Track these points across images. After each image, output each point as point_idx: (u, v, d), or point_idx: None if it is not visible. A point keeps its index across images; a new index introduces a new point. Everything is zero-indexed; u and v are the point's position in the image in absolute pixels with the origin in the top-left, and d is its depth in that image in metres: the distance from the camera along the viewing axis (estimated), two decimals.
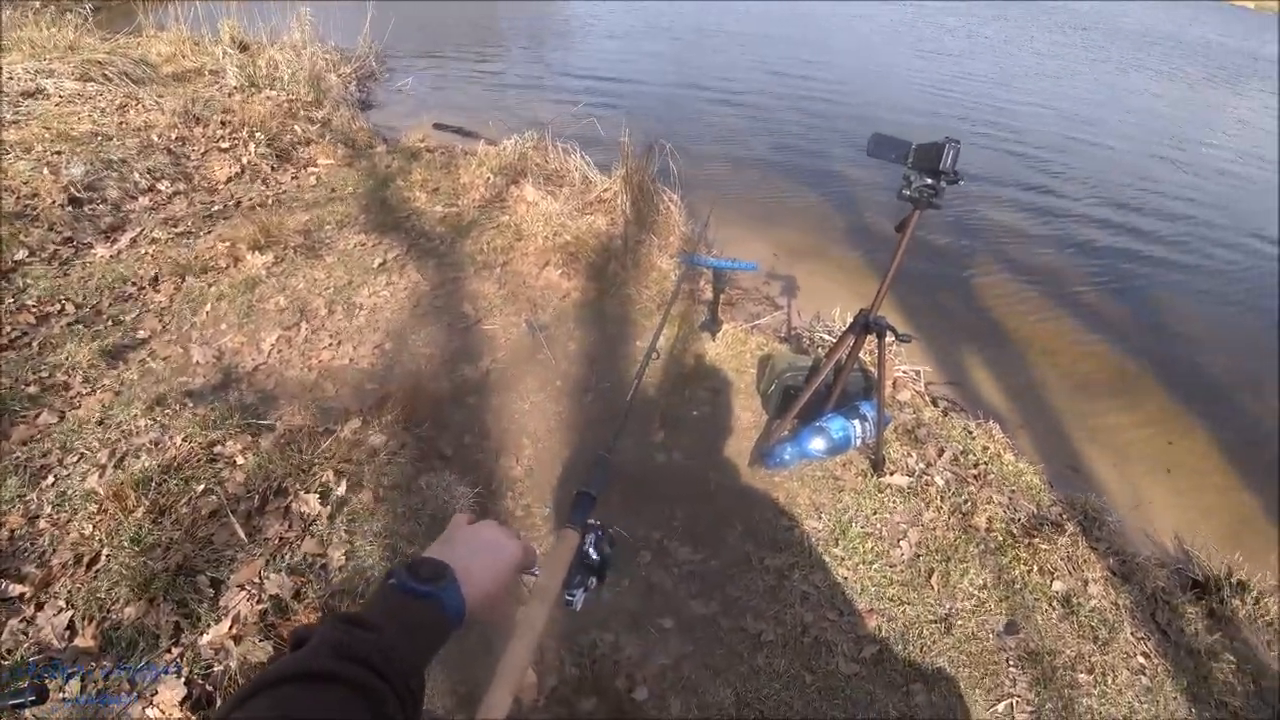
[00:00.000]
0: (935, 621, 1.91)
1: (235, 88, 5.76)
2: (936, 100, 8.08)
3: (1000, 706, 1.76)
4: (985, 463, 2.53)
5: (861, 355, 2.50)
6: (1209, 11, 28.05)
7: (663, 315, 1.80)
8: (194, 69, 6.36)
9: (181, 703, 1.49)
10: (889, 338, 1.99)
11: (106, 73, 5.54)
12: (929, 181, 1.69)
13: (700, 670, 1.74)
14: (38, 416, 2.29)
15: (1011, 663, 1.86)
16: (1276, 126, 8.95)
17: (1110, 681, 1.89)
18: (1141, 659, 2.01)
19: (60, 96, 5.10)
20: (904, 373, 2.94)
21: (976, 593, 2.01)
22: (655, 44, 9.66)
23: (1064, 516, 2.39)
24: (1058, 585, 2.10)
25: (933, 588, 2.00)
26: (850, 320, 2.03)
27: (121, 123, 4.72)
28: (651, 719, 1.63)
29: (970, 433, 2.68)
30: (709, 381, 2.70)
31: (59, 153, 4.03)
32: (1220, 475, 3.09)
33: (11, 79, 5.30)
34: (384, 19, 6.95)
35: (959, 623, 1.92)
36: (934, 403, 2.94)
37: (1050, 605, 2.04)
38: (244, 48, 7.07)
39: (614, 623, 1.83)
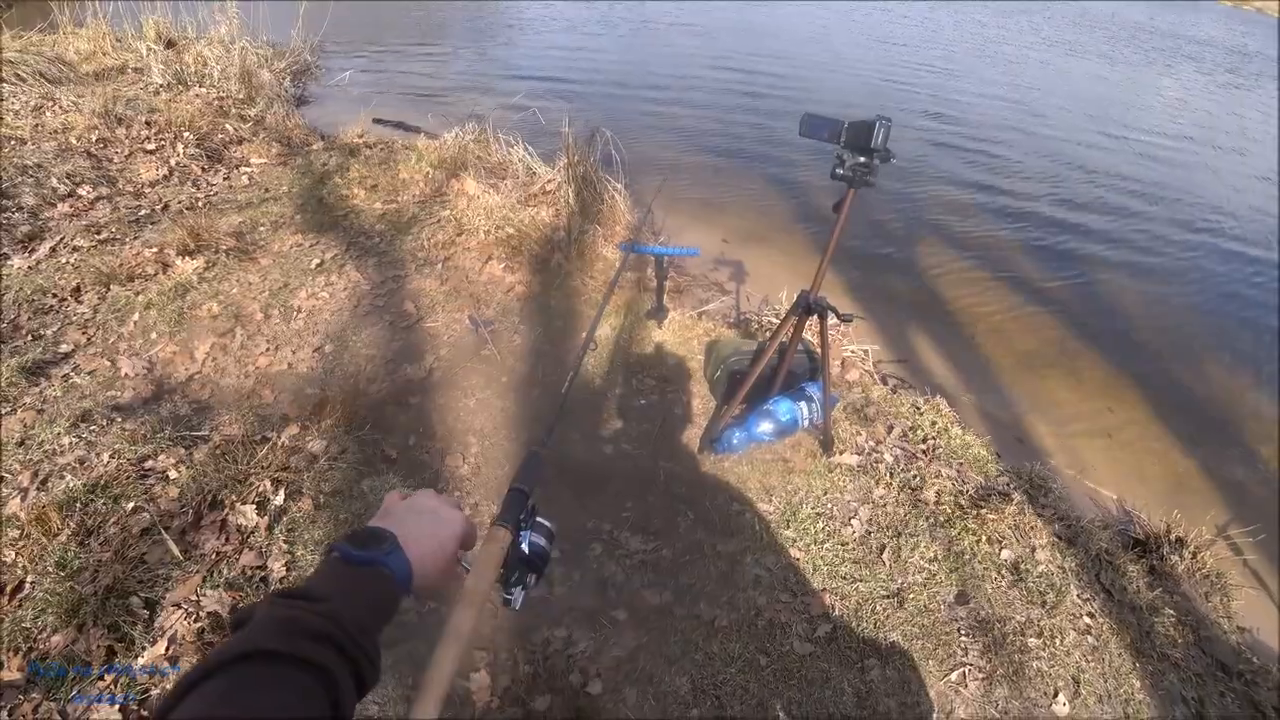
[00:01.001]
0: (888, 597, 1.95)
1: (161, 85, 5.54)
2: (885, 87, 8.19)
3: (954, 675, 1.81)
4: (933, 437, 2.59)
5: (809, 337, 2.54)
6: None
7: (602, 304, 1.79)
8: (116, 66, 6.10)
9: None
10: (830, 318, 2.01)
11: (19, 72, 5.28)
12: (862, 160, 1.71)
13: (655, 660, 1.74)
14: None
15: (963, 632, 1.92)
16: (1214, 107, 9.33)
17: (1059, 644, 1.96)
18: (1087, 619, 2.08)
19: None
20: (852, 352, 2.99)
21: (927, 566, 2.06)
22: (602, 38, 9.57)
23: (1011, 486, 2.46)
24: (1006, 553, 2.16)
25: (884, 564, 2.04)
26: (792, 302, 2.04)
27: (37, 125, 4.51)
28: (608, 713, 1.63)
29: (919, 409, 2.73)
30: (656, 370, 2.70)
31: None
32: (1157, 439, 3.23)
33: None
34: (319, 11, 6.75)
35: (911, 596, 1.96)
36: (883, 381, 3.00)
37: (999, 573, 2.10)
38: (170, 44, 6.81)
39: (566, 618, 1.82)
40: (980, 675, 1.82)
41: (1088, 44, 13.70)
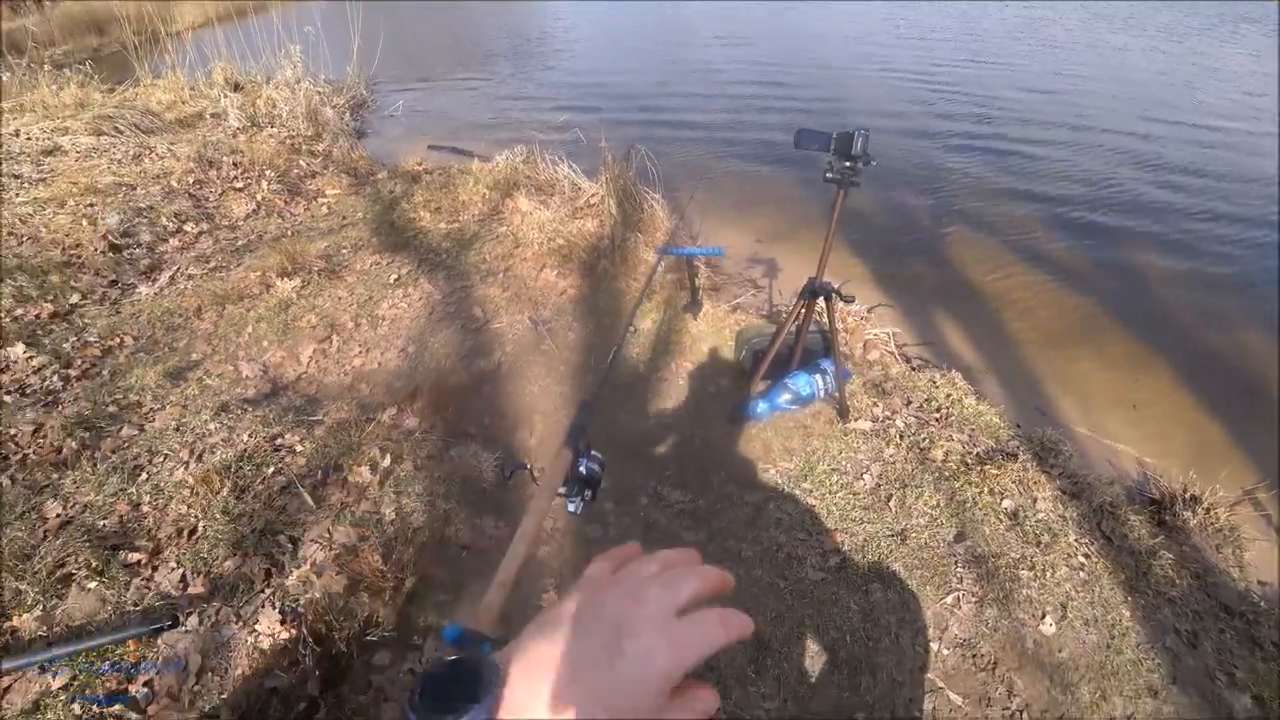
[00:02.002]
0: (892, 535, 2.37)
1: (238, 128, 6.36)
2: (918, 88, 8.53)
3: (949, 599, 2.22)
4: (947, 407, 2.98)
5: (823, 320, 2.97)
6: None
7: (639, 297, 2.28)
8: (195, 113, 6.98)
9: (280, 623, 2.00)
10: (835, 300, 2.47)
11: (117, 126, 6.17)
12: (847, 164, 2.16)
13: None
14: (120, 430, 2.82)
15: (959, 565, 2.32)
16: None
17: (1049, 576, 2.33)
18: (1082, 559, 2.43)
19: (78, 152, 5.72)
20: (874, 335, 3.41)
21: (930, 511, 2.47)
22: (633, 49, 10.20)
23: (1019, 448, 2.83)
24: (1006, 503, 2.55)
25: (890, 509, 2.46)
26: (801, 287, 2.50)
27: (140, 171, 5.30)
28: None
29: (935, 383, 3.13)
30: (692, 356, 3.19)
31: (92, 204, 4.62)
32: (1183, 408, 3.45)
33: (30, 139, 5.94)
34: (370, 48, 7.54)
35: (913, 535, 2.38)
36: (906, 360, 3.40)
37: (998, 519, 2.48)
38: (237, 87, 7.71)
39: None
40: (973, 599, 2.22)
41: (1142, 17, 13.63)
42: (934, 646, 2.07)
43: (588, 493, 1.56)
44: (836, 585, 2.22)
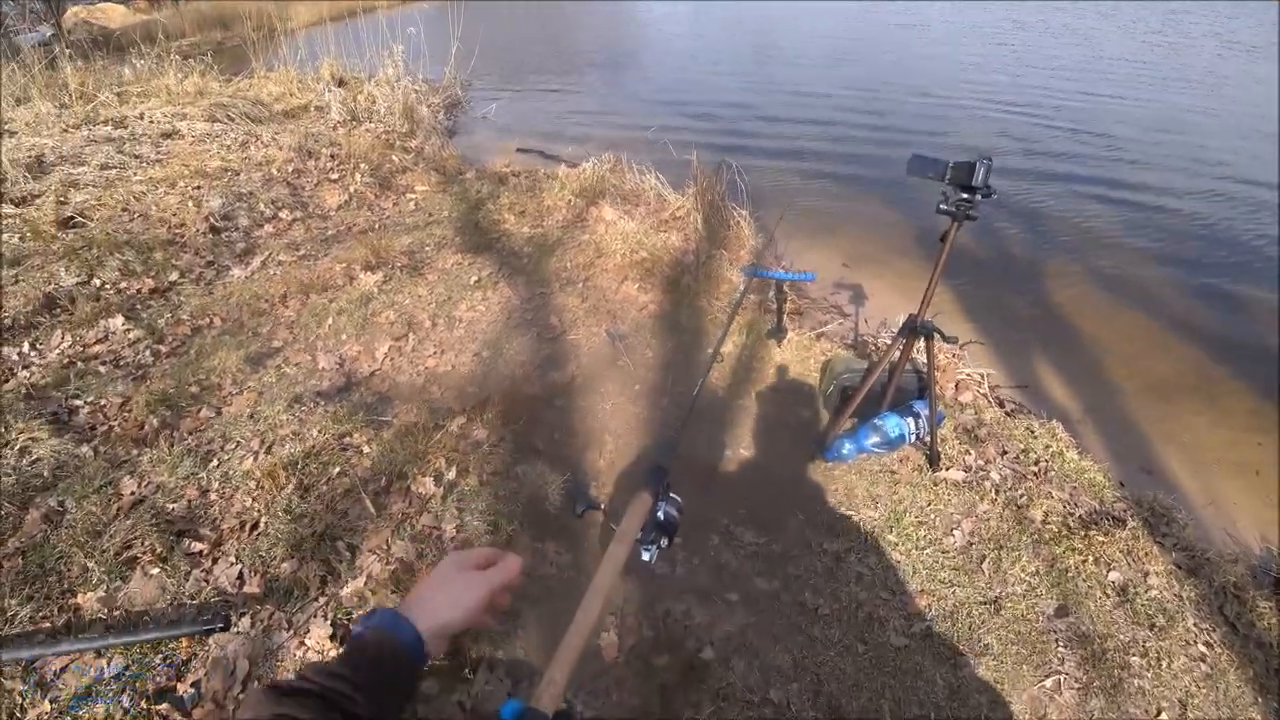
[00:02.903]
0: (985, 603, 2.10)
1: (339, 122, 6.46)
2: (1008, 114, 8.01)
3: (1049, 682, 1.93)
4: (1046, 460, 2.67)
5: (919, 357, 2.71)
6: None
7: (726, 323, 2.08)
8: (301, 105, 7.14)
9: (329, 638, 1.88)
10: (936, 339, 2.21)
11: (230, 114, 6.34)
12: (964, 196, 1.91)
13: (762, 637, 2.00)
14: (199, 411, 2.79)
15: (1060, 643, 2.03)
16: None
17: (1165, 666, 2.02)
18: (1203, 648, 2.11)
19: (193, 137, 5.89)
20: (967, 375, 3.11)
21: (1027, 579, 2.18)
22: (725, 60, 9.98)
23: (1127, 512, 2.50)
24: (1114, 575, 2.23)
25: (983, 572, 2.18)
26: (900, 324, 2.25)
27: (245, 158, 5.41)
28: (716, 678, 1.90)
29: (1033, 432, 2.82)
30: (775, 384, 2.96)
31: (199, 187, 4.71)
32: None
33: (152, 123, 6.16)
34: (467, 50, 7.57)
35: (1008, 605, 2.10)
36: (1000, 404, 3.09)
37: (1104, 593, 2.18)
38: (341, 83, 7.88)
39: (686, 596, 2.12)
40: (1076, 685, 1.93)
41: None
42: None
43: (664, 540, 1.36)
44: (921, 655, 1.97)
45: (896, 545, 2.25)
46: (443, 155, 5.80)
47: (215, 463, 2.49)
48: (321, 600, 2.00)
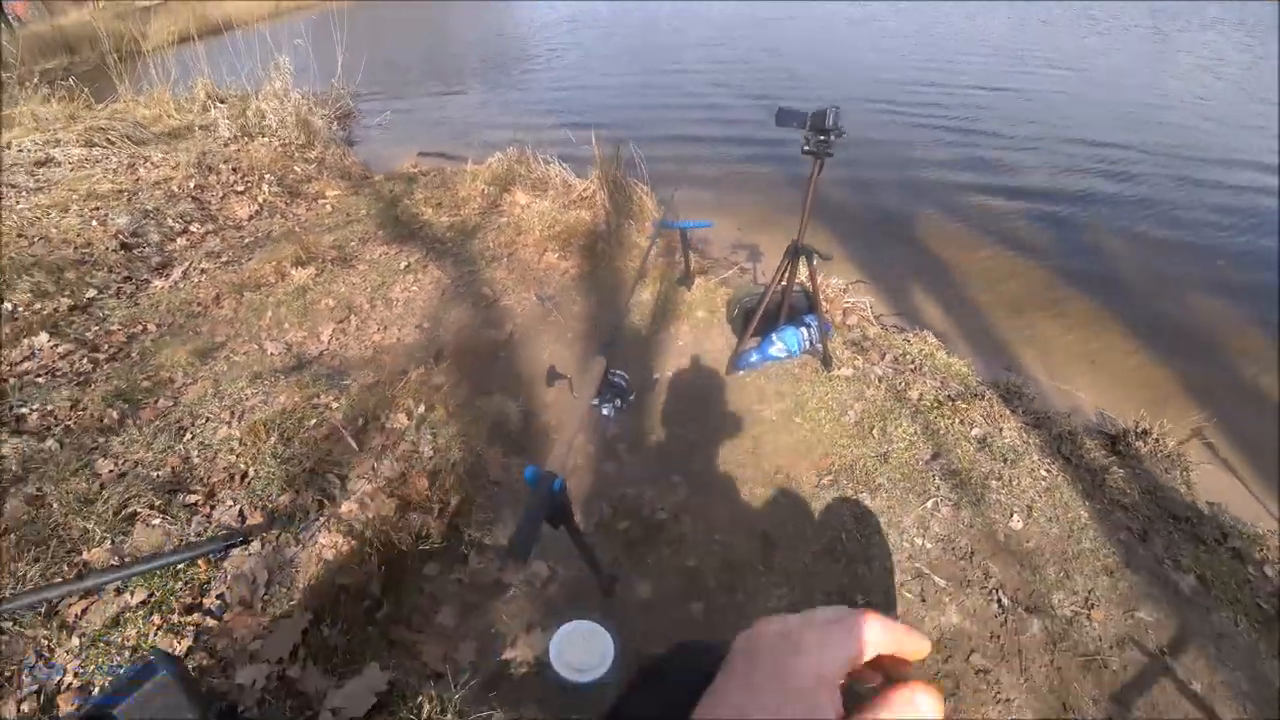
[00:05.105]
0: (876, 457, 2.72)
1: (230, 138, 6.63)
2: (870, 82, 9.07)
3: (929, 504, 2.56)
4: (920, 360, 3.36)
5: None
6: None
7: (640, 265, 2.62)
8: (183, 126, 7.24)
9: (342, 536, 2.28)
10: (815, 260, 2.84)
11: (109, 137, 6.40)
12: (822, 137, 2.53)
13: (703, 500, 2.54)
14: (157, 402, 3.07)
15: (937, 477, 2.66)
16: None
17: (1016, 485, 2.67)
18: (1044, 473, 2.78)
19: (71, 163, 5.94)
20: (852, 304, 3.79)
21: (908, 437, 2.82)
22: (613, 56, 10.67)
23: (986, 389, 3.21)
24: (975, 431, 2.91)
25: (874, 437, 2.81)
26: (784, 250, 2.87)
27: (138, 179, 5.55)
28: (669, 531, 2.42)
29: (909, 341, 3.51)
30: (689, 321, 3.53)
31: (97, 208, 4.86)
32: (1138, 361, 3.85)
33: (22, 152, 6.15)
34: (354, 60, 7.87)
35: (894, 456, 2.72)
36: (883, 326, 3.78)
37: (968, 443, 2.84)
38: (221, 101, 7.98)
39: (638, 482, 2.62)
40: (950, 503, 2.56)
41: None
42: (918, 541, 2.40)
43: (618, 400, 1.92)
44: (829, 496, 2.56)
45: (802, 425, 2.85)
46: (346, 163, 6.11)
47: (190, 436, 2.80)
48: (323, 519, 2.39)
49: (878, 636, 0.42)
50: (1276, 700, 2.03)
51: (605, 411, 1.75)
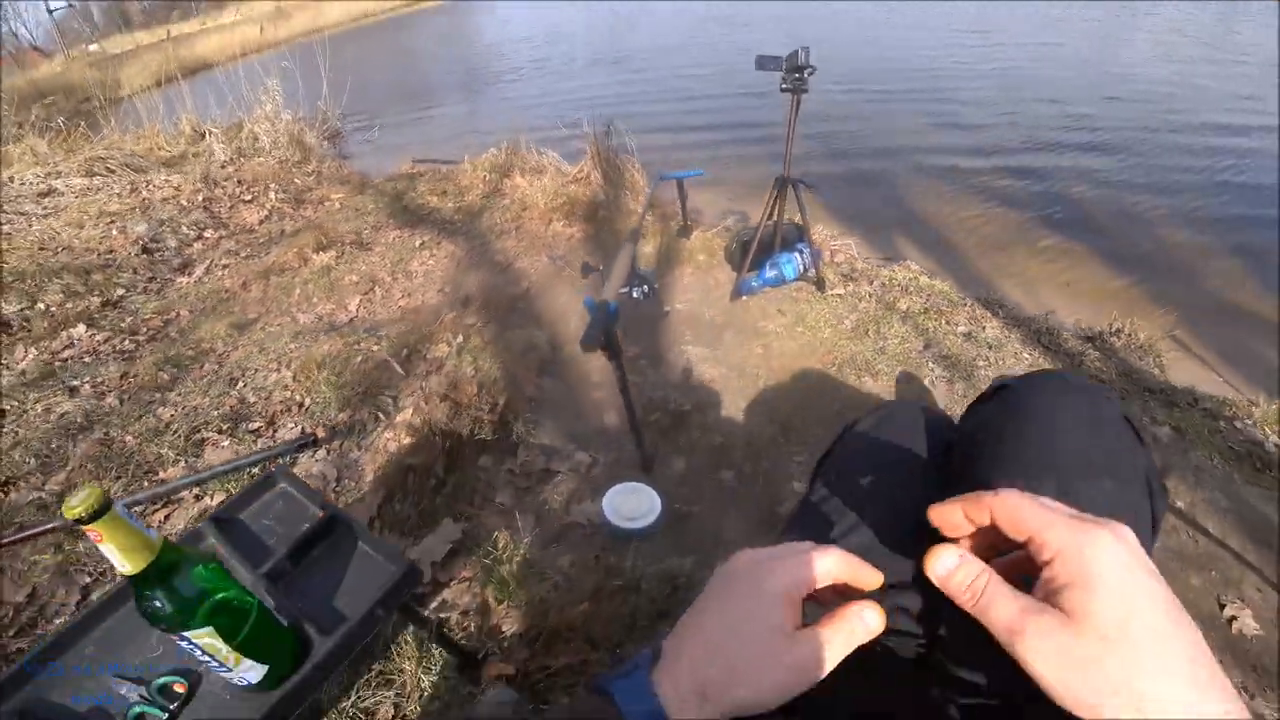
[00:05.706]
0: (874, 351, 3.05)
1: (226, 160, 6.95)
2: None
3: (925, 381, 2.88)
4: (906, 283, 3.71)
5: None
6: None
7: (642, 213, 2.98)
8: (176, 155, 7.54)
9: (407, 424, 2.55)
10: (802, 189, 3.20)
11: (109, 165, 6.69)
12: (796, 75, 2.90)
13: (726, 394, 2.85)
14: (203, 366, 3.35)
15: (930, 362, 2.98)
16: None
17: (1001, 364, 3.01)
18: (1026, 356, 3.12)
19: (74, 193, 6.22)
20: (840, 245, 4.15)
21: (901, 335, 3.15)
22: (583, 58, 11.18)
23: (968, 301, 3.56)
24: (961, 328, 3.24)
25: (870, 337, 3.14)
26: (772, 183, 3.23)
27: (144, 199, 5.85)
28: (695, 420, 2.72)
29: (894, 271, 3.87)
30: (691, 264, 3.88)
31: (113, 221, 5.15)
32: (1115, 286, 4.17)
33: (24, 184, 6.43)
34: (338, 85, 8.25)
35: (889, 349, 3.05)
36: (867, 262, 4.14)
37: (956, 337, 3.17)
38: (211, 131, 8.28)
39: (663, 386, 2.93)
40: (944, 380, 2.89)
41: None
42: None
43: (645, 287, 2.25)
44: (836, 381, 2.89)
45: (805, 333, 3.19)
46: (343, 173, 6.45)
47: (242, 384, 3.08)
48: (379, 430, 2.67)
49: (831, 567, 0.55)
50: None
51: (635, 295, 2.10)
